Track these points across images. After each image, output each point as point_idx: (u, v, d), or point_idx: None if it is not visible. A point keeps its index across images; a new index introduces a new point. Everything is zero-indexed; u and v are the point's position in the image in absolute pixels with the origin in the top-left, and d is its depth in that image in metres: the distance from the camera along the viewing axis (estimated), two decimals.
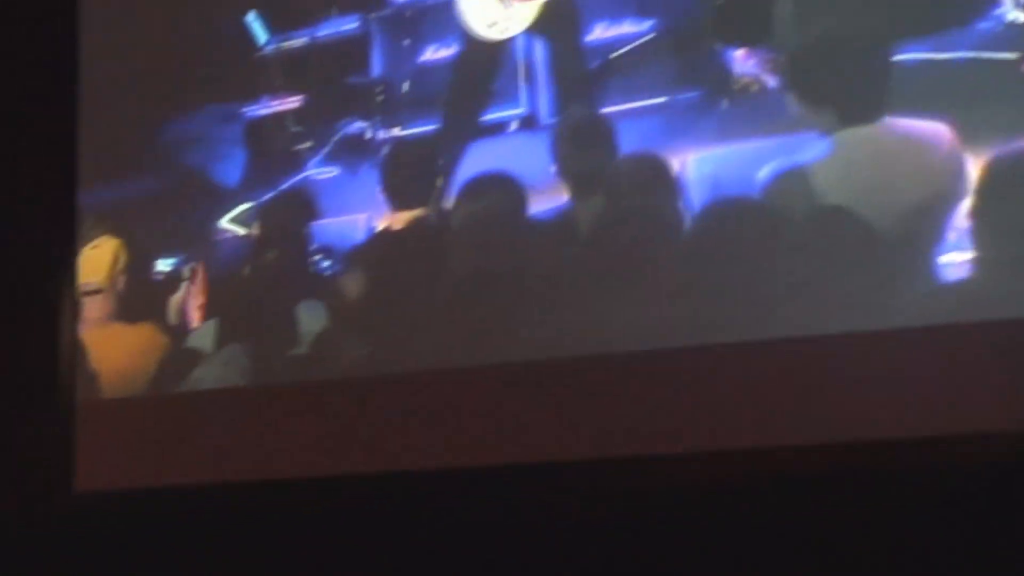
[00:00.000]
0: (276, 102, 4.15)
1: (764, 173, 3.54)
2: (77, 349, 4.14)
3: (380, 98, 4.05)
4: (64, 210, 4.20)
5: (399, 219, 3.97)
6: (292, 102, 4.14)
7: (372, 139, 4.03)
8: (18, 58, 4.37)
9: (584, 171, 3.78)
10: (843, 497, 3.28)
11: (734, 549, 3.35)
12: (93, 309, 4.12)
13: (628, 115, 3.74)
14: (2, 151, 4.42)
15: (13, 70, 4.37)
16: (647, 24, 3.79)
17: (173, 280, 4.09)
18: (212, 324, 3.99)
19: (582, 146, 3.81)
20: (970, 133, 3.27)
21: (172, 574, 3.89)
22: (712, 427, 3.39)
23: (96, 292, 4.12)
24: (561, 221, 3.82)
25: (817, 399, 3.28)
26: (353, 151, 4.04)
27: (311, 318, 3.89)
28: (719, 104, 3.69)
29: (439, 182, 3.94)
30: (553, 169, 3.84)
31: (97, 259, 4.17)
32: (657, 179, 3.66)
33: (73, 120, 4.23)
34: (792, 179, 3.52)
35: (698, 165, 3.64)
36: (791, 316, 3.41)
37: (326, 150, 4.05)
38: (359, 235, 3.98)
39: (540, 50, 3.92)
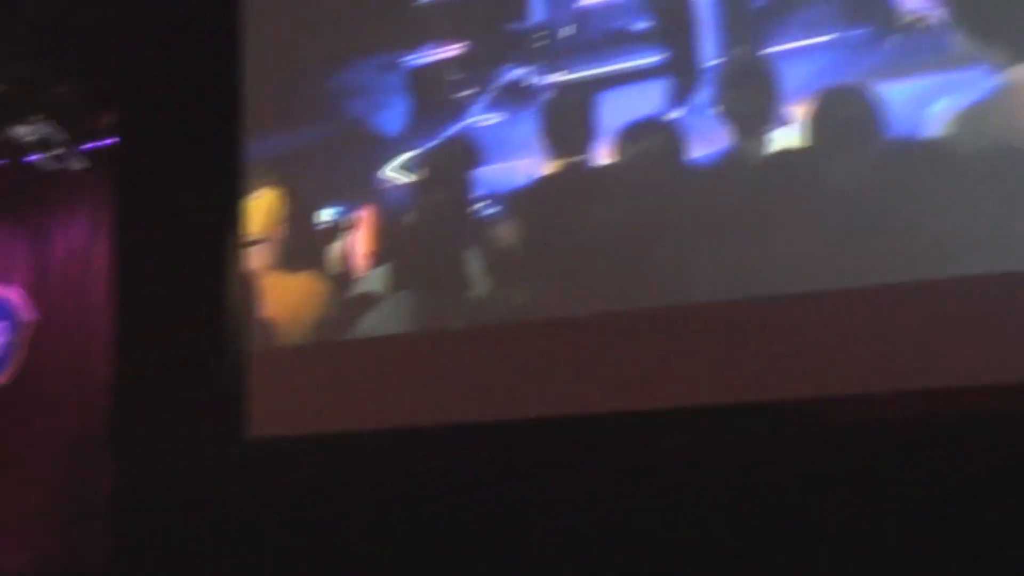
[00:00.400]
0: (437, 50, 4.23)
1: (935, 110, 3.54)
2: (243, 299, 4.28)
3: (540, 44, 4.12)
4: (229, 162, 4.34)
5: (559, 164, 4.05)
6: (453, 50, 4.22)
7: (532, 85, 4.11)
8: (183, 11, 4.52)
9: (748, 112, 3.81)
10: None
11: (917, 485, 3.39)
12: (258, 259, 4.25)
13: (793, 55, 3.76)
14: (167, 105, 4.59)
15: (178, 23, 4.52)
16: None
17: (336, 229, 4.20)
18: (378, 272, 4.10)
19: (746, 87, 3.83)
20: None
21: (343, 519, 4.02)
22: (891, 367, 3.42)
23: (260, 242, 4.25)
24: (721, 164, 3.86)
25: (1001, 338, 3.29)
26: (514, 98, 4.11)
27: (476, 264, 3.98)
28: (886, 41, 3.69)
29: (599, 127, 4.00)
30: (715, 111, 3.87)
31: (261, 209, 4.30)
32: (831, 117, 3.68)
33: (238, 73, 4.36)
34: (964, 117, 3.52)
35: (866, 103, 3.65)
36: (966, 255, 3.41)
37: (487, 97, 4.13)
38: (520, 181, 4.06)
39: None
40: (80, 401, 6.91)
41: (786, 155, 3.74)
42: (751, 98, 3.81)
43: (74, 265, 7.11)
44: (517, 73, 4.12)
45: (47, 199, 7.27)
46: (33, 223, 7.31)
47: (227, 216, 4.33)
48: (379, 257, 4.11)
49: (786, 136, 3.74)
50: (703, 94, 3.89)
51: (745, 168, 3.81)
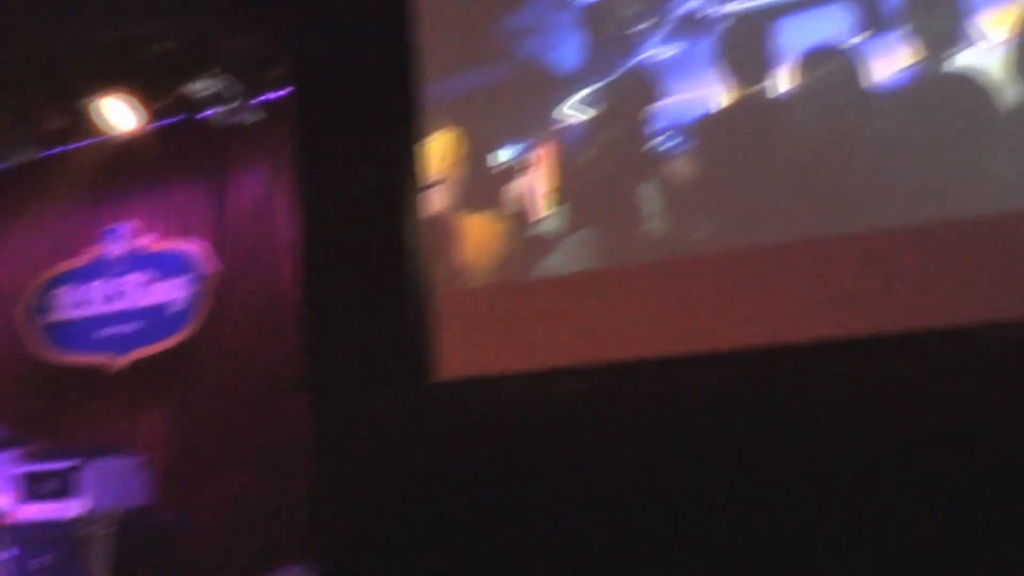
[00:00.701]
0: None
1: None
2: (425, 242, 4.38)
3: None
4: (405, 106, 4.44)
5: (738, 95, 4.05)
6: None
7: (709, 16, 4.11)
8: None
9: (933, 33, 3.76)
10: None
11: None
12: (438, 201, 4.34)
13: None
14: (341, 52, 4.70)
15: None
16: None
17: (515, 169, 4.27)
18: (558, 210, 4.16)
19: (932, 6, 3.78)
20: None
21: (531, 458, 4.11)
22: None
23: (440, 184, 4.35)
24: (905, 87, 3.82)
25: None
26: (690, 29, 4.12)
27: (655, 199, 4.02)
28: None
29: (777, 55, 3.99)
30: (898, 33, 3.83)
31: (440, 151, 4.39)
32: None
33: (411, 17, 4.44)
34: None
35: None
36: None
37: (663, 30, 4.15)
38: (699, 113, 4.08)
39: None
40: (265, 350, 7.16)
41: (971, 75, 3.69)
42: (937, 18, 3.76)
43: (253, 217, 7.34)
44: (693, 4, 4.13)
45: (224, 153, 7.51)
46: (211, 177, 7.56)
47: (405, 160, 4.43)
48: (558, 195, 4.17)
49: (973, 56, 3.68)
50: (884, 16, 3.85)
51: (929, 91, 3.77)
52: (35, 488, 6.77)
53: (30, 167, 7.84)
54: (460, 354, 4.25)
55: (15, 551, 6.69)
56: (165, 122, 7.44)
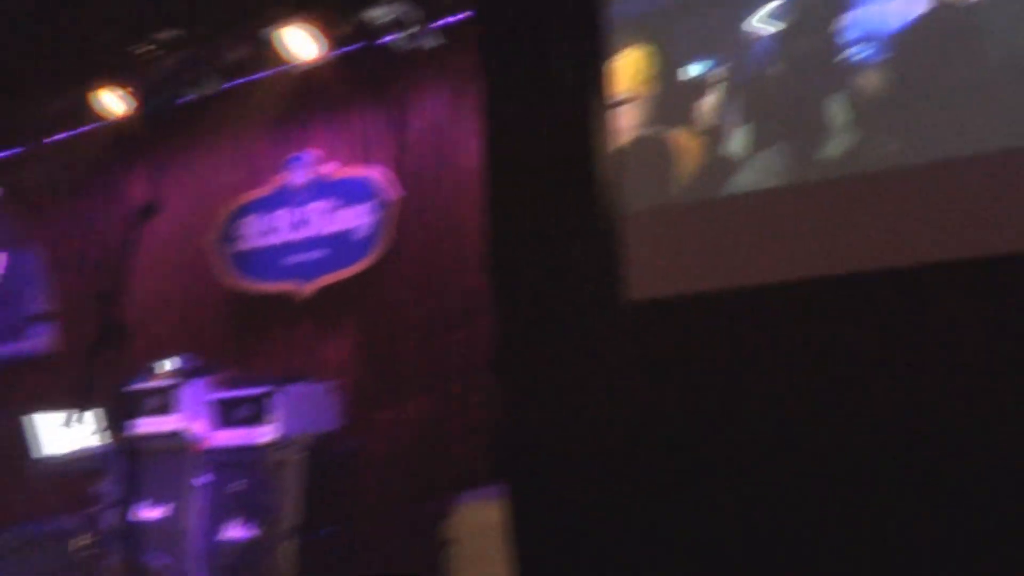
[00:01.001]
0: None
1: None
2: (614, 160, 4.40)
3: None
4: (592, 23, 4.44)
5: (933, 2, 3.96)
6: None
7: None
8: None
9: None
10: None
11: None
12: (627, 119, 4.35)
13: None
14: None
15: None
16: None
17: (705, 84, 4.25)
18: (748, 126, 4.13)
19: None
20: None
21: (724, 378, 4.12)
22: None
23: (629, 102, 4.35)
24: None
25: None
26: None
27: (846, 112, 3.96)
28: None
29: None
30: None
31: (628, 68, 4.39)
32: None
33: None
34: None
35: None
36: None
37: None
38: (892, 23, 3.99)
39: None
40: (447, 275, 7.29)
41: None
42: None
43: (434, 142, 7.45)
44: None
45: (404, 79, 7.61)
46: (392, 104, 7.68)
47: (592, 79, 4.44)
48: (748, 110, 4.14)
49: None
50: None
51: None
52: (228, 414, 7.00)
53: (215, 99, 8.05)
54: (649, 274, 4.26)
55: (210, 476, 6.95)
56: (346, 50, 7.57)
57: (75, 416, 3.95)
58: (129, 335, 3.89)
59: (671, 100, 4.30)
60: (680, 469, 4.16)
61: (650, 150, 4.32)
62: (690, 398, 4.17)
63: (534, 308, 4.52)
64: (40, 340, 5.96)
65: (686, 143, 4.25)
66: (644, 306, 4.24)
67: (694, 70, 4.28)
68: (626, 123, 4.36)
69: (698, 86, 4.26)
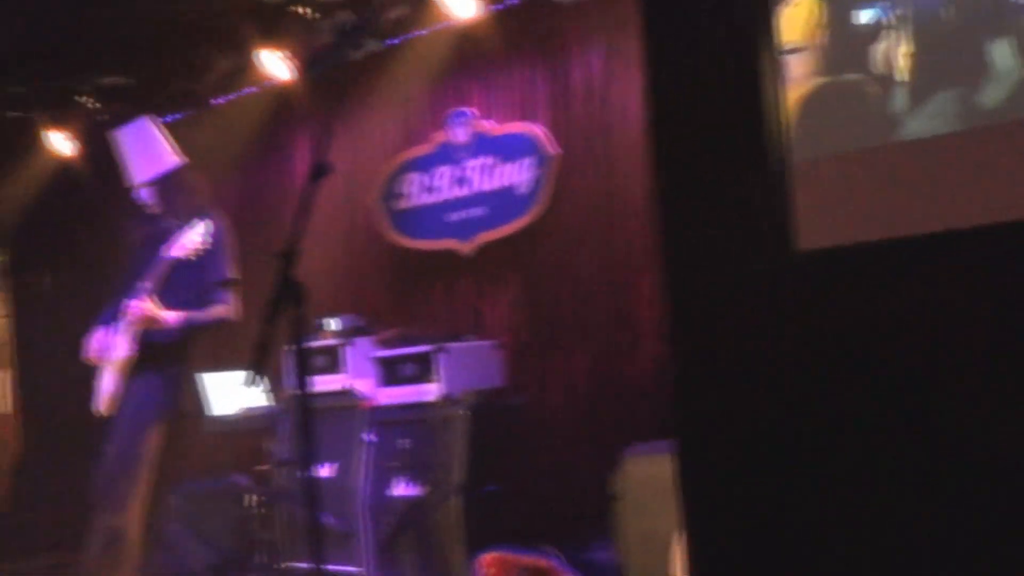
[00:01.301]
0: None
1: None
2: (784, 109, 4.38)
3: None
4: None
5: None
6: None
7: None
8: None
9: None
10: None
11: None
12: (797, 68, 4.33)
13: None
14: None
15: None
16: None
17: (876, 29, 4.21)
18: (919, 72, 4.09)
19: None
20: None
21: (896, 328, 4.10)
22: None
23: (799, 50, 4.33)
24: None
25: None
26: None
27: (1009, 55, 3.88)
28: None
29: None
30: None
31: (796, 16, 4.37)
32: None
33: None
34: None
35: None
36: None
37: None
38: None
39: None
40: (608, 230, 7.34)
41: None
42: None
43: (594, 97, 7.49)
44: None
45: (562, 34, 7.66)
46: (550, 59, 7.73)
47: (761, 27, 4.42)
48: (919, 56, 4.09)
49: None
50: None
51: None
52: (394, 373, 7.17)
53: (375, 57, 8.20)
54: (820, 223, 4.24)
55: (375, 434, 7.12)
56: (503, 5, 7.64)
57: (254, 376, 4.10)
58: (308, 293, 4.02)
59: (842, 48, 4.26)
60: (855, 424, 4.16)
61: (821, 98, 4.30)
62: (861, 346, 4.16)
63: (702, 259, 4.54)
64: (227, 306, 6.18)
65: (856, 91, 4.21)
66: (813, 254, 4.22)
67: (865, 16, 4.24)
68: (796, 72, 4.34)
69: (869, 33, 4.21)
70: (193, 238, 5.85)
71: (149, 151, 6.29)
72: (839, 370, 4.24)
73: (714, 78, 4.52)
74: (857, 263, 4.24)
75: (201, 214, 6.04)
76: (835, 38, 4.28)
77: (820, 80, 4.33)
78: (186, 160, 6.38)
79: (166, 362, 6.08)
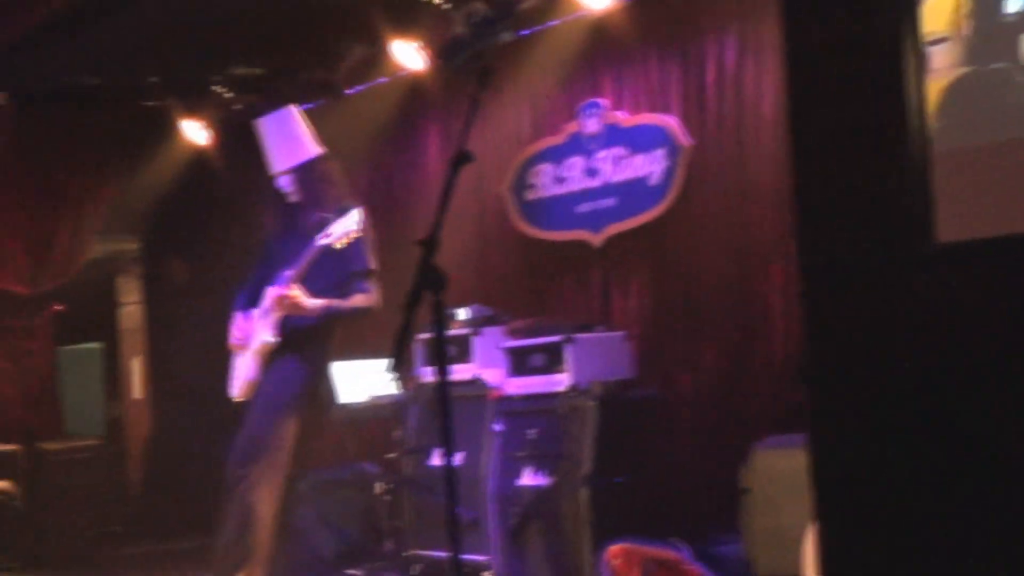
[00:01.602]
0: None
1: None
2: (925, 100, 4.37)
3: None
4: None
5: None
6: None
7: None
8: None
9: None
10: None
11: None
12: (941, 59, 4.32)
13: None
14: None
15: None
16: None
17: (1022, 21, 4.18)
18: None
19: None
20: None
21: None
22: None
23: (943, 41, 4.32)
24: None
25: None
26: None
27: None
28: None
29: None
30: None
31: (940, 7, 4.35)
32: None
33: None
34: None
35: None
36: None
37: None
38: None
39: None
40: (740, 223, 7.35)
41: None
42: None
43: (726, 88, 7.49)
44: None
45: (697, 22, 7.67)
46: (682, 50, 7.75)
47: (904, 19, 4.41)
48: None
49: None
50: None
51: None
52: (523, 363, 7.23)
53: (507, 47, 8.26)
54: (960, 215, 4.24)
55: (503, 424, 7.19)
56: None
57: (396, 363, 4.18)
58: (448, 282, 4.10)
59: (988, 37, 4.25)
60: (995, 421, 4.14)
61: (964, 88, 4.28)
62: (1001, 342, 4.13)
63: (837, 252, 4.55)
64: (368, 295, 6.29)
65: (1003, 80, 4.19)
66: (955, 248, 4.21)
67: (1015, 5, 4.21)
68: (939, 63, 4.33)
69: (1018, 22, 4.19)
70: (348, 226, 5.96)
71: (291, 140, 6.44)
72: (976, 365, 4.22)
73: (855, 69, 4.52)
74: (998, 257, 4.22)
75: (347, 203, 6.16)
76: (981, 28, 4.27)
77: (964, 70, 4.32)
78: (325, 150, 6.53)
79: (307, 349, 6.21)
